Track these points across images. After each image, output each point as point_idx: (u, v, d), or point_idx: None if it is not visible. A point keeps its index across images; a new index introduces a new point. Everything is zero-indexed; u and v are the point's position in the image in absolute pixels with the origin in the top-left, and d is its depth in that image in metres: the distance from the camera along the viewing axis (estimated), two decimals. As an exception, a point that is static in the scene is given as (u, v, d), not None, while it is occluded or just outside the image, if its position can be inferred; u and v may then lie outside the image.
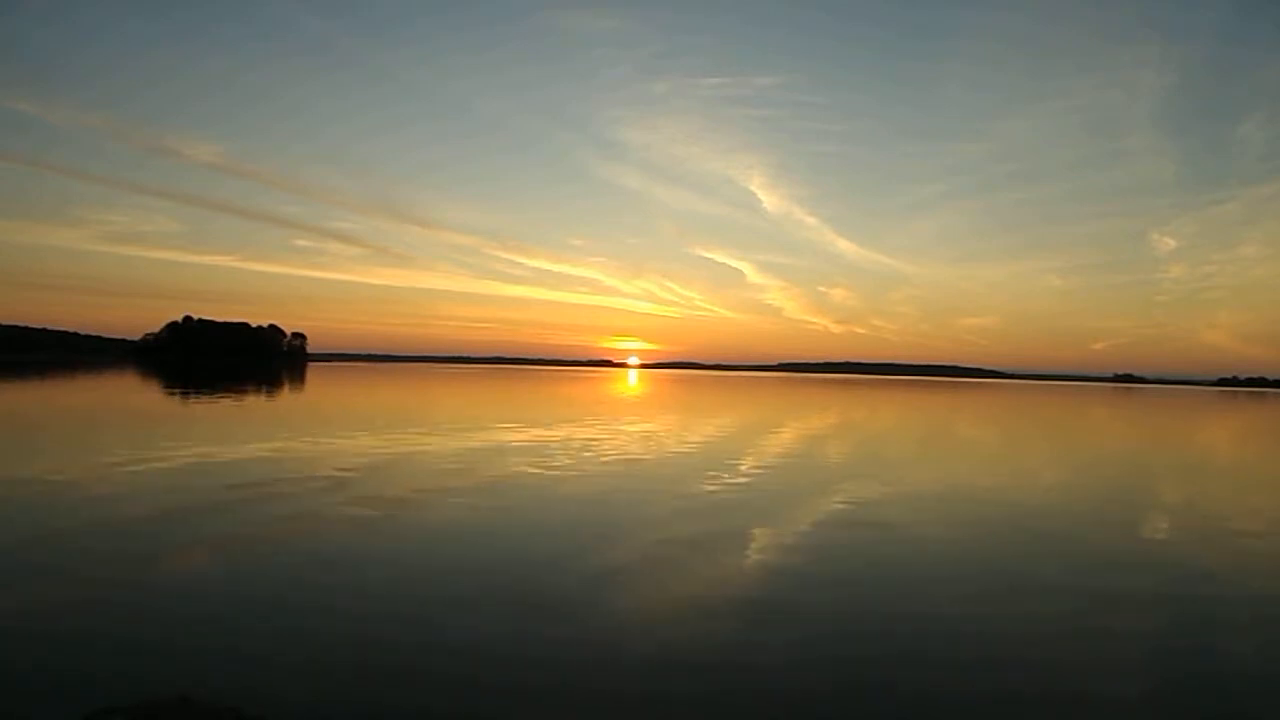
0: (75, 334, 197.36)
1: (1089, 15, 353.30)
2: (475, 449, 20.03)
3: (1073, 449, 26.84)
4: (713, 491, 14.33)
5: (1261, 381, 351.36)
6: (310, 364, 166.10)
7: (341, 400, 43.27)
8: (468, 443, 21.47)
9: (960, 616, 7.40)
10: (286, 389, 55.11)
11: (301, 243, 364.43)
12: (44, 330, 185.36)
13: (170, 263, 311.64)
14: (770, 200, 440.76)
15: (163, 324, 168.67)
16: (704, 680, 5.73)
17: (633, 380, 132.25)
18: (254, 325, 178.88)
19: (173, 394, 43.50)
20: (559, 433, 25.55)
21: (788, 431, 29.52)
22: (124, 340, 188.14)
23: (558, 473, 16.13)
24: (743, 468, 17.87)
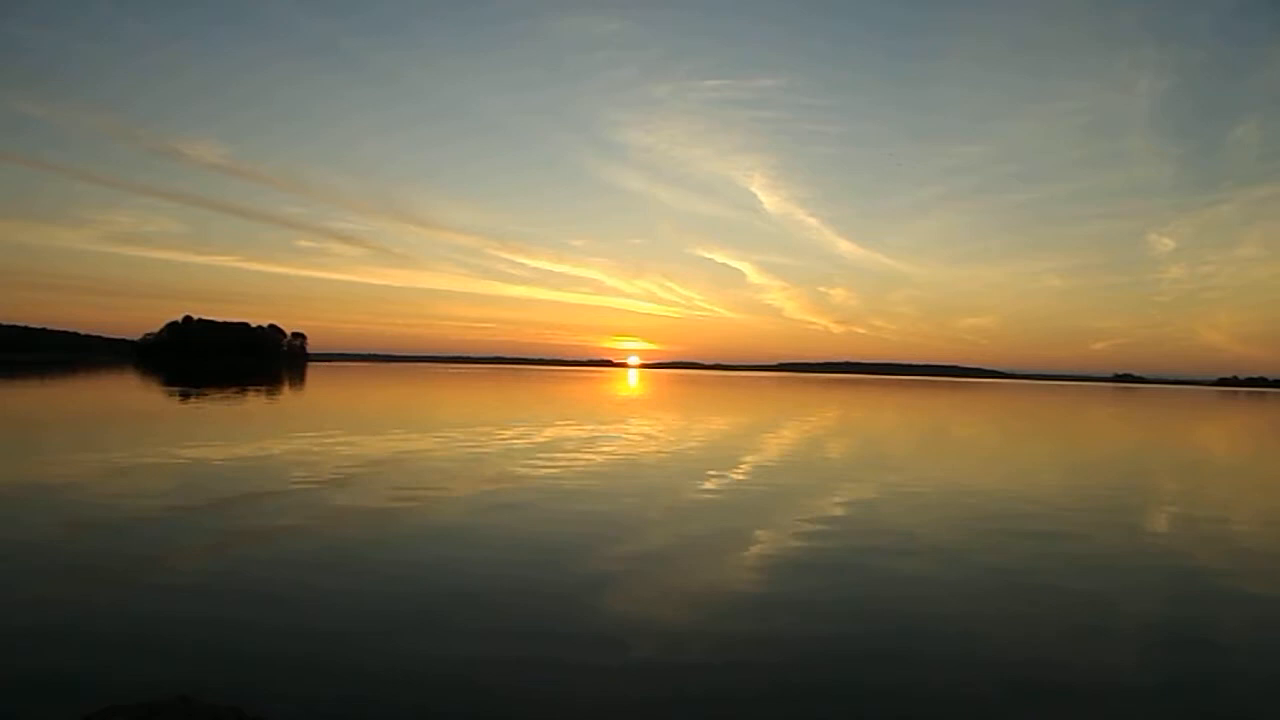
0: (75, 334, 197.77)
1: (1088, 17, 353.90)
2: (476, 449, 20.03)
3: (1073, 449, 26.83)
4: (714, 492, 14.33)
5: (1261, 381, 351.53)
6: (310, 364, 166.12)
7: (341, 401, 43.26)
8: (468, 443, 21.47)
9: (961, 615, 7.39)
10: (286, 389, 55.09)
11: (303, 243, 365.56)
12: (44, 330, 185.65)
13: (172, 263, 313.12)
14: (771, 201, 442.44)
15: (163, 324, 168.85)
16: (704, 681, 5.73)
17: (633, 380, 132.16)
18: (254, 325, 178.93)
19: (171, 394, 43.48)
20: (559, 433, 25.55)
21: (788, 432, 29.52)
22: (124, 340, 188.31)
23: (558, 474, 16.12)
24: (743, 468, 17.87)
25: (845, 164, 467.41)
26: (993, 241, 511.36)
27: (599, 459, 18.71)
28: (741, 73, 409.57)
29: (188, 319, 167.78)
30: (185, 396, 40.94)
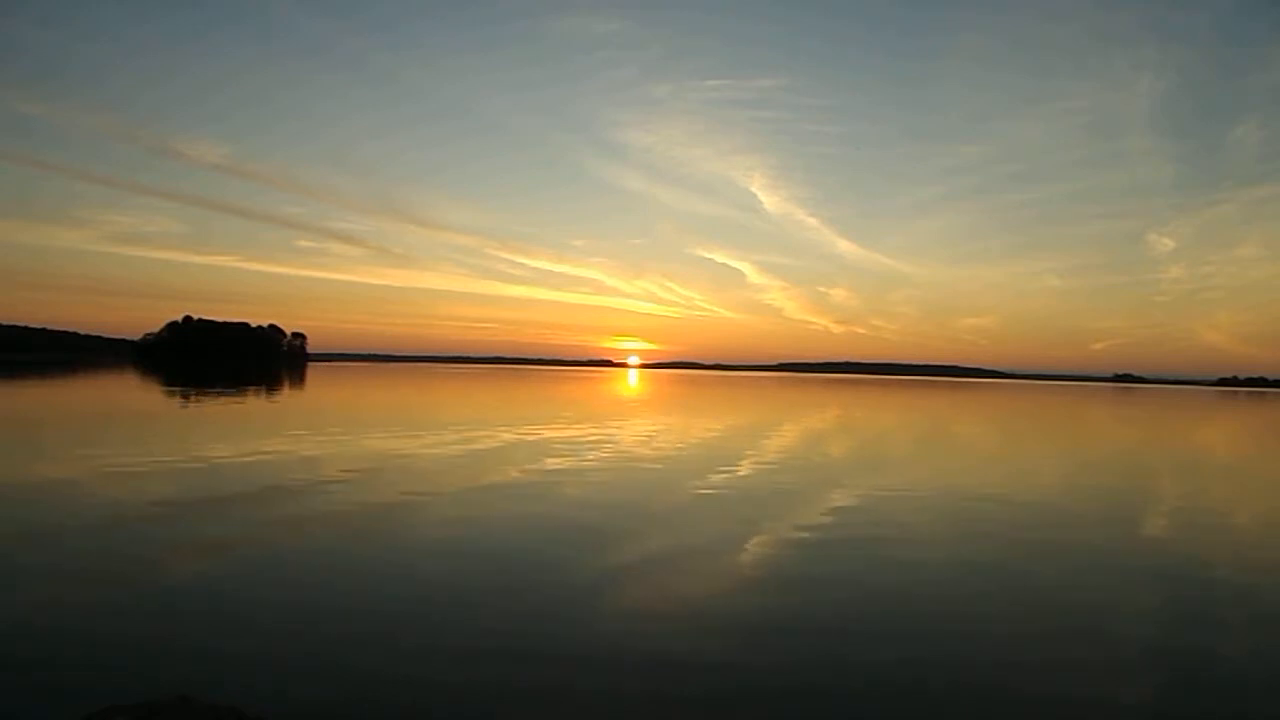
0: (75, 334, 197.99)
1: (1088, 17, 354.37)
2: (476, 450, 20.03)
3: (1073, 449, 26.82)
4: (713, 492, 14.32)
5: (1261, 381, 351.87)
6: (310, 364, 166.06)
7: (340, 401, 43.26)
8: (468, 443, 21.47)
9: (960, 617, 7.39)
10: (285, 390, 55.07)
11: (303, 243, 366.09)
12: (44, 330, 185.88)
13: (173, 263, 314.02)
14: (771, 201, 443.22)
15: (163, 324, 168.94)
16: (703, 681, 5.73)
17: (633, 380, 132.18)
18: (254, 325, 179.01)
19: (171, 394, 43.48)
20: (559, 433, 25.55)
21: (788, 431, 29.52)
22: (124, 340, 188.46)
23: (557, 474, 16.13)
24: (743, 468, 17.87)
25: (845, 164, 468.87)
26: (993, 241, 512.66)
27: (599, 459, 18.70)
28: (741, 73, 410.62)
29: (188, 319, 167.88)
30: (185, 397, 40.94)
